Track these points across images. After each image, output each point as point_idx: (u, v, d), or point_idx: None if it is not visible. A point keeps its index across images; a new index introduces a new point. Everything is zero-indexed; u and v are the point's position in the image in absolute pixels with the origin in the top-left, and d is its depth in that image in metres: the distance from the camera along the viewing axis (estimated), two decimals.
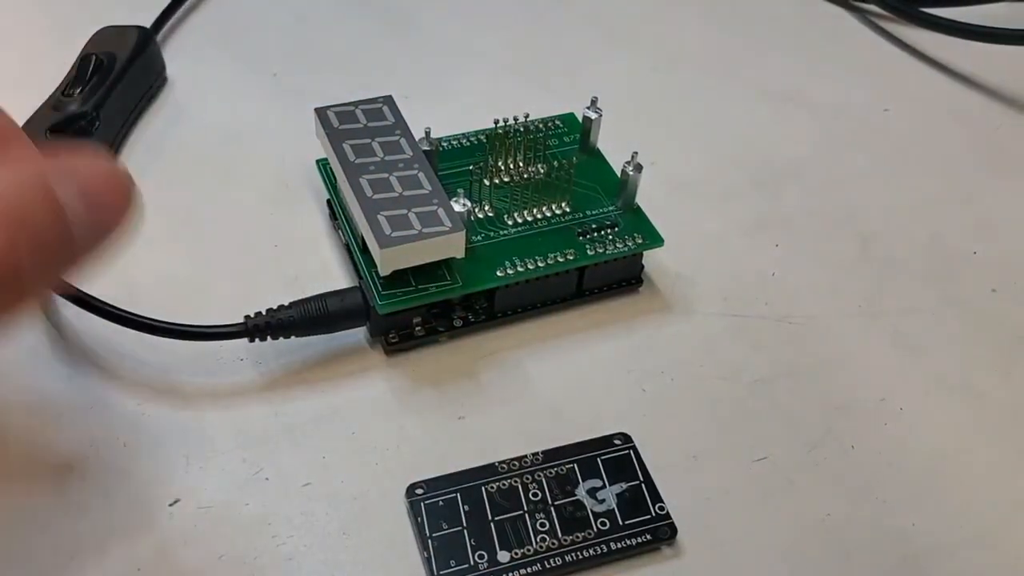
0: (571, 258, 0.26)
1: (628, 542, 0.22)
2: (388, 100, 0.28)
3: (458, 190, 0.26)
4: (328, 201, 0.29)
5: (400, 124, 0.27)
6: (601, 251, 0.27)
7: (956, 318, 0.29)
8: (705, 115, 0.35)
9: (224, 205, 0.31)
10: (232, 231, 0.30)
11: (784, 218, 0.32)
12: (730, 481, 0.24)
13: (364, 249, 0.26)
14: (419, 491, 0.23)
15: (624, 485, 0.23)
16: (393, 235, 0.24)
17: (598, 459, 0.24)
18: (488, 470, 0.23)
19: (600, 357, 0.27)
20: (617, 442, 0.24)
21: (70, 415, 0.25)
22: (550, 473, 0.23)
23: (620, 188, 0.28)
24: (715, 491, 0.24)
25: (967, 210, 0.32)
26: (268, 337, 0.26)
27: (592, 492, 0.23)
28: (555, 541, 0.22)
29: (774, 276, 0.30)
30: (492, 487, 0.23)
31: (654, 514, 0.23)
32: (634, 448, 0.24)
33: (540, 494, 0.23)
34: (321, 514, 0.23)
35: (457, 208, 0.25)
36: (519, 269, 0.26)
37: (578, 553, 0.22)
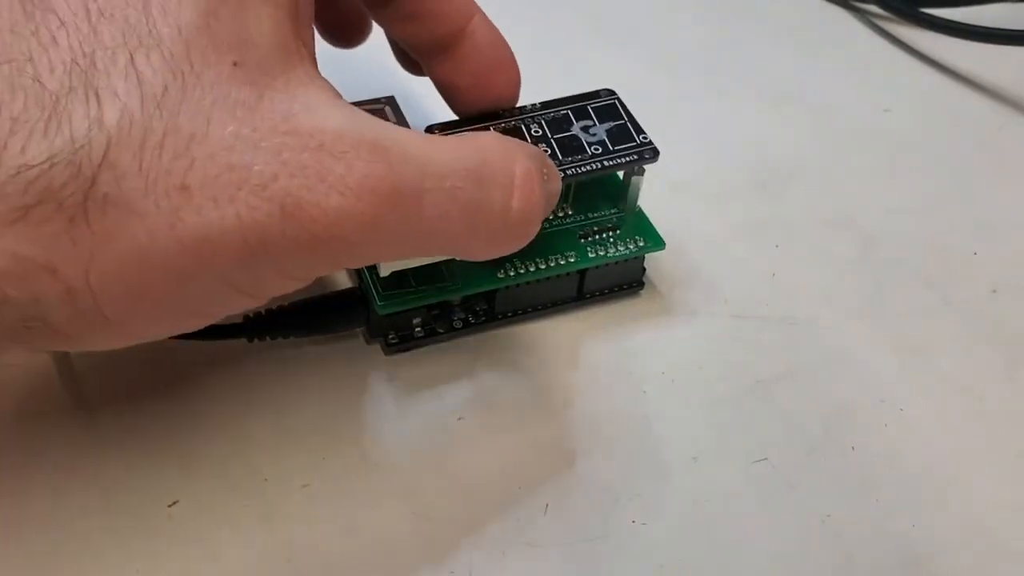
0: (572, 260, 0.26)
1: (618, 160, 0.26)
2: (391, 100, 0.28)
3: None
4: None
5: (403, 124, 0.27)
6: (602, 253, 0.27)
7: (956, 318, 0.29)
8: (705, 115, 0.35)
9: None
10: None
11: (784, 219, 0.32)
12: (730, 482, 0.24)
13: None
14: None
15: (611, 123, 0.26)
16: None
17: (588, 107, 0.27)
18: (489, 116, 0.26)
19: (601, 358, 0.27)
20: (602, 95, 0.27)
21: (67, 415, 0.25)
22: (547, 116, 0.26)
23: (622, 191, 0.28)
24: (715, 493, 0.24)
25: (967, 210, 0.32)
26: (267, 337, 0.26)
27: (585, 129, 0.26)
28: (555, 161, 0.25)
29: (774, 277, 0.30)
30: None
31: (639, 142, 0.26)
32: (618, 99, 0.27)
33: (541, 131, 0.26)
34: (321, 514, 0.23)
35: None
36: (520, 271, 0.26)
37: (577, 168, 0.25)
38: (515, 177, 0.21)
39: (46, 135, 0.16)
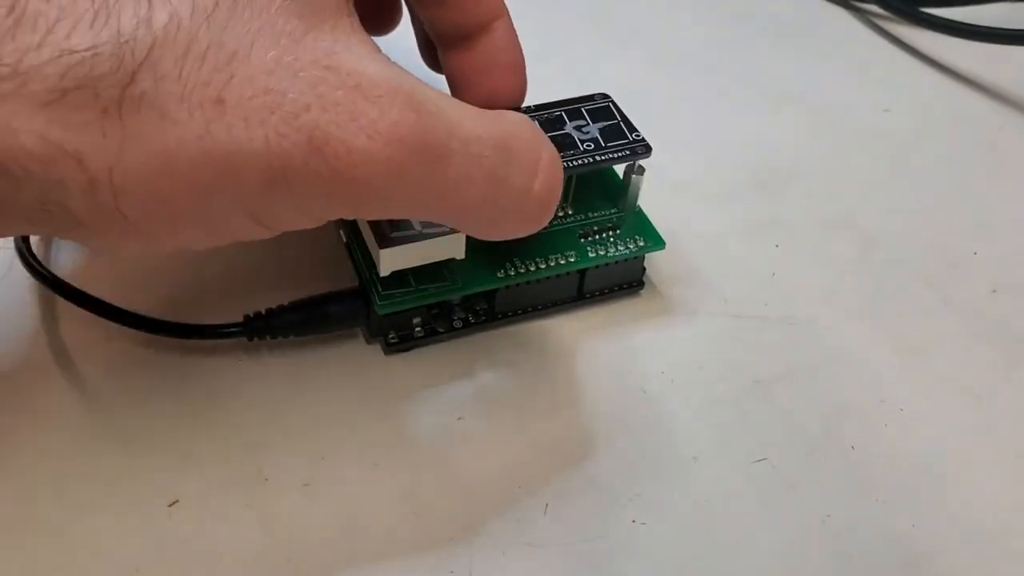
0: (572, 260, 0.26)
1: (610, 155, 0.26)
2: None
3: None
4: None
5: None
6: (602, 253, 0.27)
7: (956, 318, 0.29)
8: (705, 115, 0.35)
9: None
10: None
11: (784, 219, 0.32)
12: (730, 482, 0.24)
13: (364, 249, 0.26)
14: None
15: (605, 123, 0.26)
16: (393, 235, 0.24)
17: (582, 109, 0.27)
18: None
19: (600, 358, 0.27)
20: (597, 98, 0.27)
21: (68, 414, 0.25)
22: (541, 117, 0.26)
23: (622, 190, 0.28)
24: (715, 493, 0.24)
25: (967, 210, 0.32)
26: (268, 336, 0.26)
27: (578, 128, 0.26)
28: None
29: (774, 277, 0.30)
30: None
31: (631, 139, 0.26)
32: (612, 102, 0.27)
33: None
34: (321, 514, 0.23)
35: None
36: (520, 271, 0.26)
37: (569, 163, 0.25)
38: (541, 161, 0.22)
39: (92, 27, 0.17)
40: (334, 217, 0.20)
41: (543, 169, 0.22)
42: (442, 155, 0.19)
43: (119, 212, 0.18)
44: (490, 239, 0.23)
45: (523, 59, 0.26)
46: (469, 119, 0.20)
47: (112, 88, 0.17)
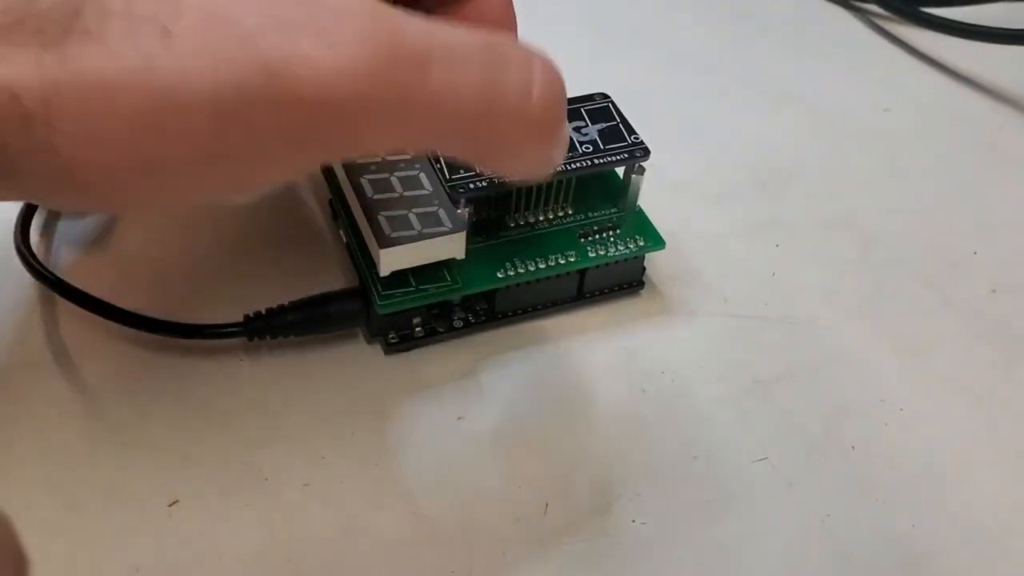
0: (572, 260, 0.26)
1: (609, 159, 0.26)
2: None
3: (459, 191, 0.26)
4: (330, 201, 0.29)
5: None
6: (602, 253, 0.27)
7: (956, 318, 0.29)
8: (705, 115, 0.35)
9: (225, 204, 0.30)
10: (233, 230, 0.30)
11: (784, 218, 0.32)
12: (730, 482, 0.24)
13: (364, 249, 0.26)
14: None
15: (603, 124, 0.27)
16: (393, 235, 0.24)
17: (581, 109, 0.27)
18: None
19: (600, 357, 0.27)
20: (597, 99, 0.28)
21: (68, 414, 0.25)
22: None
23: (622, 190, 0.28)
24: (715, 493, 0.24)
25: (967, 210, 0.32)
26: (268, 336, 0.26)
27: (577, 129, 0.27)
28: None
29: (774, 276, 0.30)
30: None
31: (630, 141, 0.26)
32: (612, 102, 0.27)
33: None
34: (321, 514, 0.23)
35: (458, 209, 0.25)
36: (520, 271, 0.26)
37: (567, 165, 0.25)
38: (533, 63, 0.19)
39: None
40: (303, 164, 0.18)
41: (539, 71, 0.19)
42: (421, 60, 0.17)
43: (56, 154, 0.16)
44: (508, 170, 0.21)
45: (514, 21, 0.23)
46: (448, 27, 0.18)
47: (55, 23, 0.16)
